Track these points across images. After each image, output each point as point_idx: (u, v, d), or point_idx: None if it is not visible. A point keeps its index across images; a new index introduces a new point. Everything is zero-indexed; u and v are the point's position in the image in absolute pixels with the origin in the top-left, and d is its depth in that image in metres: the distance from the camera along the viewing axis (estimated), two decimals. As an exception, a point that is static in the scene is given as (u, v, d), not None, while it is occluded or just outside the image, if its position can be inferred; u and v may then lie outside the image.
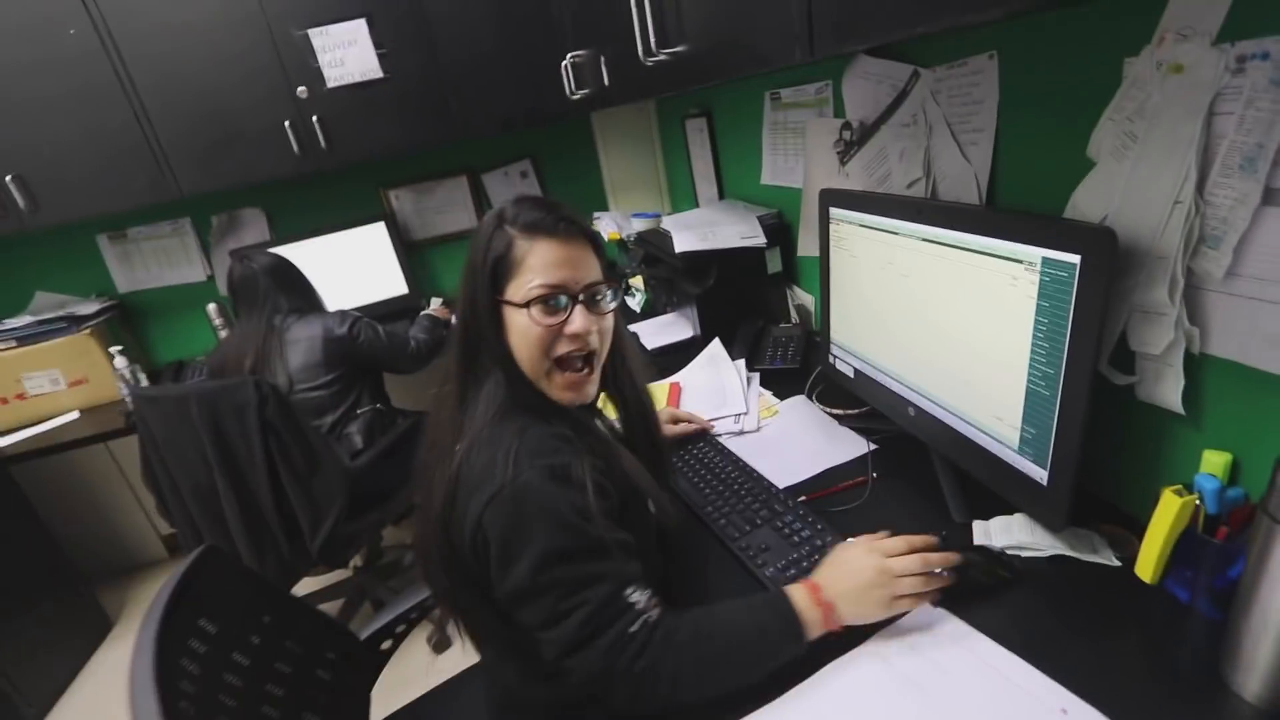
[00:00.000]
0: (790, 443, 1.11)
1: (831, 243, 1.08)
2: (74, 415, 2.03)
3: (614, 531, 0.68)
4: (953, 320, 0.83)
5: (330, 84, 1.83)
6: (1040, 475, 0.73)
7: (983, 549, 0.79)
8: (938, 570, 0.71)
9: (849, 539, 0.78)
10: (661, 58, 0.93)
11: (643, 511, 0.79)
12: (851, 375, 1.10)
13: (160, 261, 2.23)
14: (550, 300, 0.71)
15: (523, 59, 1.90)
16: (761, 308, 1.57)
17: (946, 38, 0.90)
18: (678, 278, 1.56)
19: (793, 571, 0.79)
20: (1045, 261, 0.67)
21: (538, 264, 0.70)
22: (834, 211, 1.05)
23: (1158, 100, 0.66)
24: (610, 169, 2.46)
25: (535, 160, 2.41)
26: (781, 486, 0.97)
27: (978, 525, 0.83)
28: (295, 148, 1.85)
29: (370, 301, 2.25)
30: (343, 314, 1.74)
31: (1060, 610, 0.71)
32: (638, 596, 0.66)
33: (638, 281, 1.98)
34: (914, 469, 0.96)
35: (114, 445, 2.23)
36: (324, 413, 1.72)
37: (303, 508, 1.52)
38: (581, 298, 0.73)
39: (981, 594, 0.73)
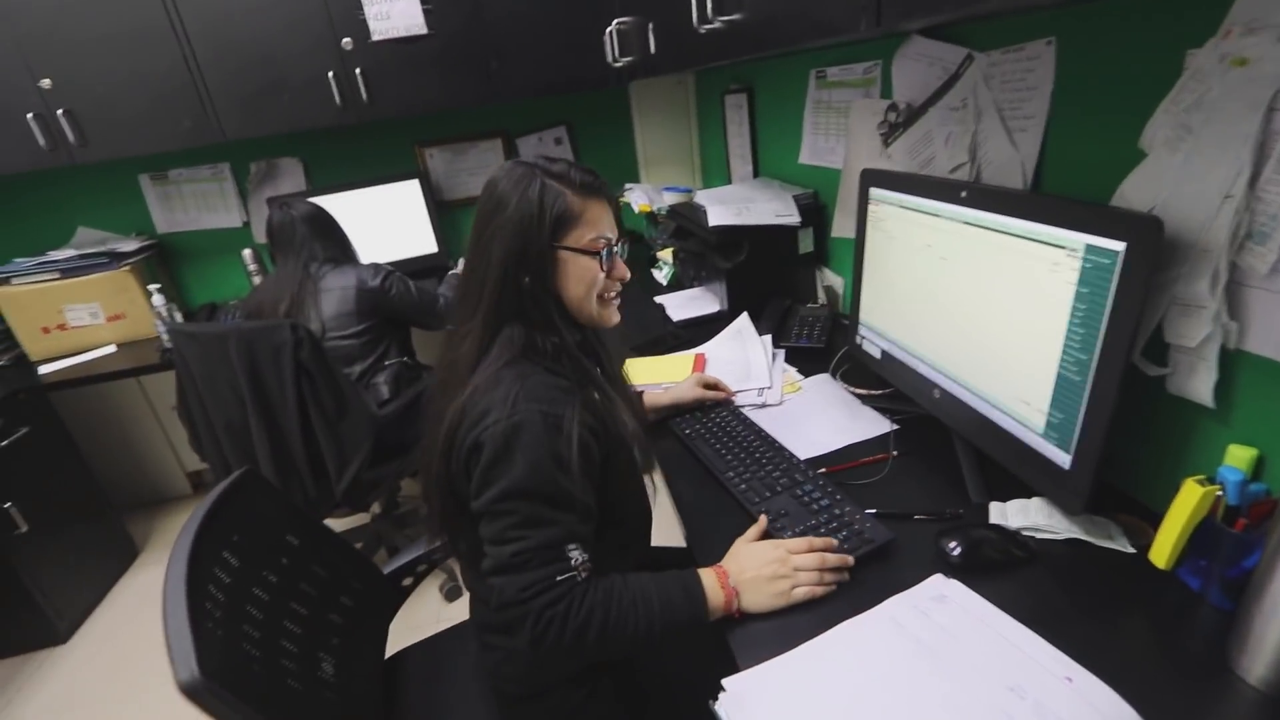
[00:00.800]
0: (812, 418, 1.13)
1: (869, 223, 1.09)
2: (111, 349, 2.10)
3: (584, 493, 0.76)
4: (987, 303, 0.84)
5: (375, 37, 1.84)
6: (1063, 459, 0.75)
7: (998, 528, 0.81)
8: (831, 572, 0.76)
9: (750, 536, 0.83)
10: (716, 25, 0.94)
11: (631, 461, 0.87)
12: (878, 356, 1.12)
13: (199, 205, 2.27)
14: (609, 250, 0.83)
15: (566, 23, 1.90)
16: (789, 287, 1.58)
17: (1005, 21, 0.89)
18: (708, 252, 1.57)
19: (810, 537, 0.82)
20: (1089, 248, 0.68)
21: (594, 220, 0.82)
22: (874, 192, 1.06)
23: (1217, 93, 0.66)
24: (644, 141, 2.45)
25: (570, 127, 2.41)
26: (802, 458, 0.99)
27: (994, 506, 0.85)
28: (337, 99, 1.87)
29: (400, 258, 2.28)
30: (376, 267, 1.77)
31: (1072, 590, 0.72)
32: (576, 554, 0.73)
33: (666, 254, 1.99)
34: (934, 450, 0.98)
35: (146, 380, 2.31)
36: (353, 361, 1.76)
37: (330, 450, 1.57)
38: (618, 248, 0.86)
39: (995, 570, 0.75)
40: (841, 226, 1.40)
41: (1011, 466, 0.83)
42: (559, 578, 0.72)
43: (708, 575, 0.77)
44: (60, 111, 1.76)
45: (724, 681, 0.66)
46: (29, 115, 1.75)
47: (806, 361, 1.31)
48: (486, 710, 0.93)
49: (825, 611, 0.73)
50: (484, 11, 1.86)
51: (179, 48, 1.77)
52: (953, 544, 0.77)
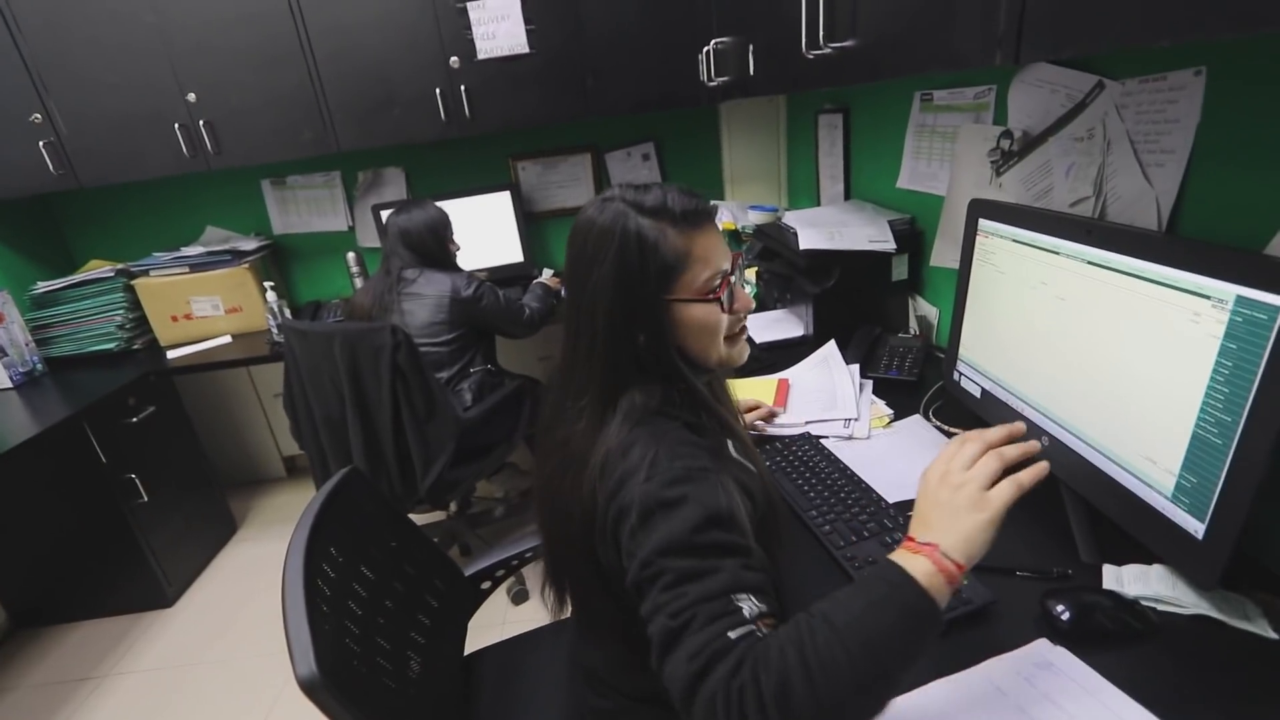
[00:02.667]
0: (902, 457, 1.08)
1: (976, 256, 1.03)
2: (227, 339, 2.28)
3: (749, 538, 0.62)
4: (1110, 350, 0.78)
5: (480, 55, 1.93)
6: (1195, 528, 0.68)
7: (1112, 594, 0.74)
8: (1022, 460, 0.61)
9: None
10: (826, 51, 0.92)
11: (779, 520, 0.77)
12: (978, 395, 1.06)
13: (311, 209, 2.45)
14: (728, 286, 0.71)
15: (662, 42, 1.93)
16: (879, 314, 1.52)
17: (1147, 49, 0.83)
18: (795, 275, 1.54)
19: (901, 584, 0.78)
20: (1240, 300, 0.62)
21: (706, 254, 0.69)
22: (984, 224, 1.01)
23: None
24: (731, 158, 2.44)
25: (658, 143, 2.44)
26: (891, 501, 0.95)
27: (1109, 570, 0.78)
28: (442, 114, 1.97)
29: (487, 266, 2.37)
30: (470, 276, 1.85)
31: (1197, 673, 0.66)
32: (748, 605, 0.55)
33: (749, 274, 1.97)
34: (1039, 501, 0.90)
35: (255, 370, 2.50)
36: (440, 368, 1.84)
37: (417, 449, 1.64)
38: (734, 277, 0.73)
39: (1107, 640, 0.69)
40: (942, 256, 1.34)
41: (1130, 528, 0.77)
42: (731, 634, 0.53)
43: (897, 553, 0.58)
44: (202, 122, 1.94)
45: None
46: (176, 125, 1.94)
47: (896, 394, 1.25)
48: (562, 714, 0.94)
49: (919, 664, 0.69)
50: (584, 31, 1.92)
51: (306, 66, 1.91)
52: (1061, 607, 0.72)
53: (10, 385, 2.04)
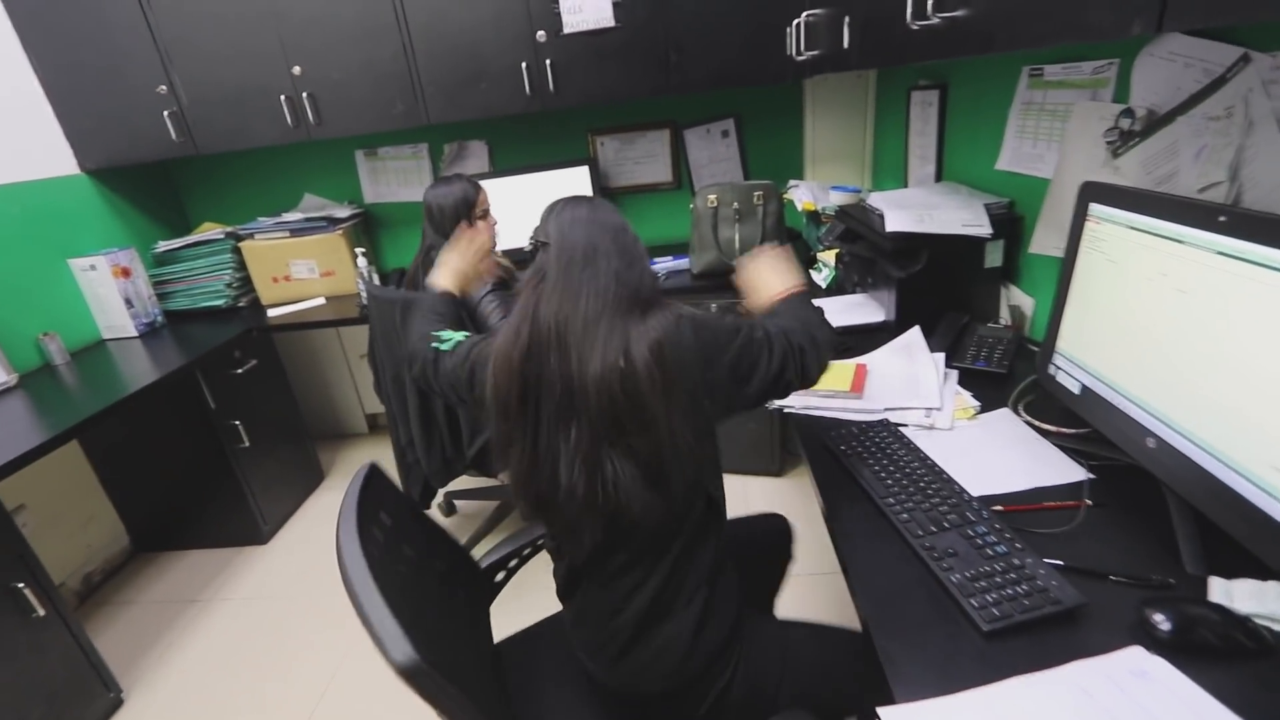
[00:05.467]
0: (987, 451, 1.04)
1: (1084, 243, 0.97)
2: (321, 301, 2.43)
3: None
4: (1239, 350, 0.72)
5: (566, 30, 1.94)
6: (1325, 545, 0.63)
7: (1220, 609, 0.70)
8: None
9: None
10: (934, 22, 0.88)
11: None
12: (1076, 391, 1.00)
13: (399, 180, 2.55)
14: None
15: (748, 16, 1.88)
16: (967, 302, 1.46)
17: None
18: (879, 258, 1.49)
19: (983, 584, 0.76)
20: (1405, 300, 0.56)
21: None
22: (1096, 208, 0.94)
23: None
24: (814, 136, 2.37)
25: (739, 119, 2.39)
26: (975, 494, 0.92)
27: (1216, 582, 0.74)
28: (527, 88, 2.00)
29: (563, 240, 2.41)
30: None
31: (1317, 700, 0.61)
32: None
33: (828, 256, 1.92)
34: (1139, 505, 0.87)
35: (344, 331, 2.66)
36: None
37: (465, 418, 1.73)
38: None
39: (1211, 656, 0.66)
40: (1043, 243, 1.27)
41: (1247, 541, 0.72)
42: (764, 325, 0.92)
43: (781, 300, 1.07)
44: (305, 94, 2.05)
45: (880, 710, 0.64)
46: (282, 97, 2.06)
47: (983, 386, 1.20)
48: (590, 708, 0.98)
49: (997, 660, 0.68)
50: (670, 5, 1.89)
51: (401, 40, 1.98)
52: (1160, 617, 0.68)
53: (135, 334, 2.25)
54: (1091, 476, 0.93)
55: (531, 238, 0.93)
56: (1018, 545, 0.80)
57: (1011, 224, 1.38)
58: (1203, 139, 0.91)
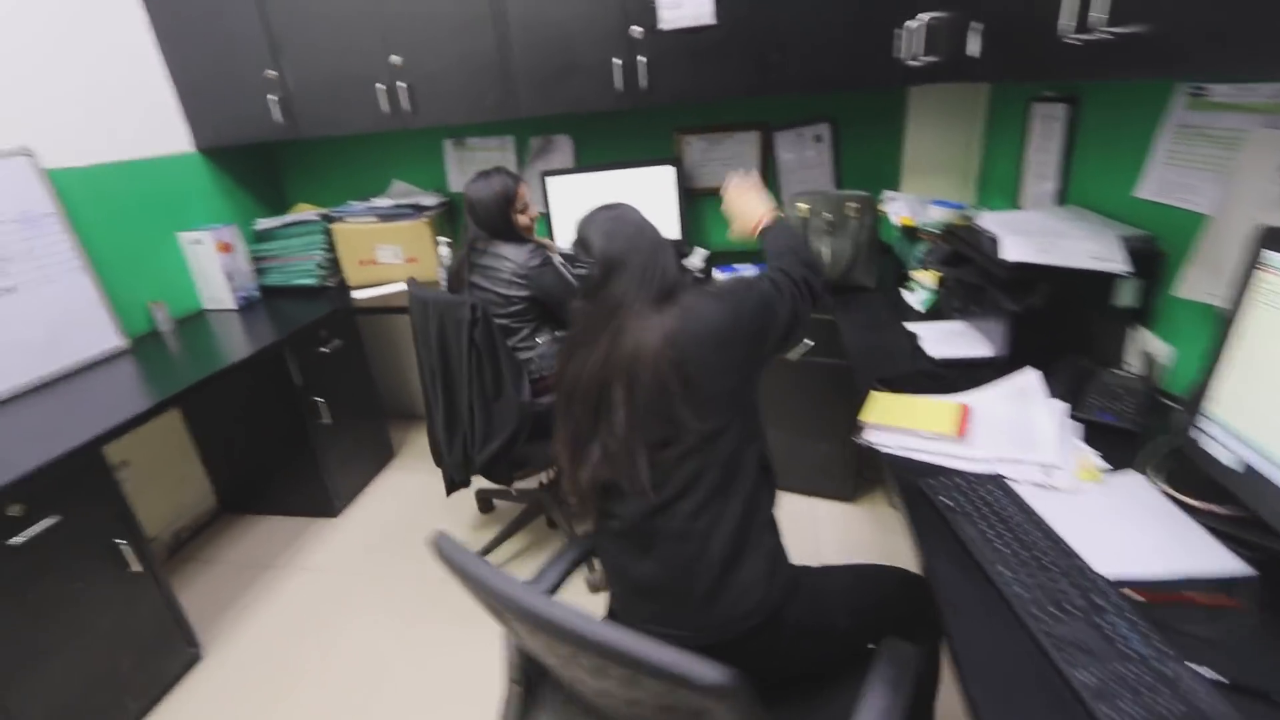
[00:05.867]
0: (1116, 522, 0.92)
1: (1256, 295, 0.84)
2: (403, 286, 2.47)
3: None
4: None
5: (663, 25, 1.88)
6: None
7: None
8: None
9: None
10: (1100, 36, 0.76)
11: None
12: (1235, 467, 0.87)
13: (484, 171, 2.57)
14: None
15: (856, 18, 1.77)
16: (1087, 343, 1.32)
17: None
18: (991, 287, 1.37)
19: (1116, 688, 0.66)
20: None
21: None
22: (1273, 256, 0.81)
23: None
24: (915, 145, 2.22)
25: (833, 124, 2.27)
26: (1103, 573, 0.81)
27: None
28: (619, 84, 1.96)
29: (641, 239, 2.37)
30: (535, 249, 1.80)
31: None
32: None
33: (925, 277, 1.79)
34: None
35: (421, 317, 2.71)
36: (509, 335, 1.83)
37: (481, 423, 1.72)
38: None
39: None
40: (1195, 287, 1.12)
41: None
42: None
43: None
44: (401, 84, 2.08)
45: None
46: (378, 86, 2.09)
47: (1109, 443, 1.07)
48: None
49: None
50: (772, 3, 1.80)
51: (496, 32, 1.98)
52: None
53: (235, 307, 2.37)
54: (1252, 572, 0.81)
55: (579, 254, 1.07)
56: (1160, 646, 0.70)
57: (1150, 260, 1.23)
58: None
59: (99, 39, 2.05)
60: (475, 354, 1.67)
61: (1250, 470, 0.84)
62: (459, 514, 2.37)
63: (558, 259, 1.91)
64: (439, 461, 1.92)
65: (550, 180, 2.35)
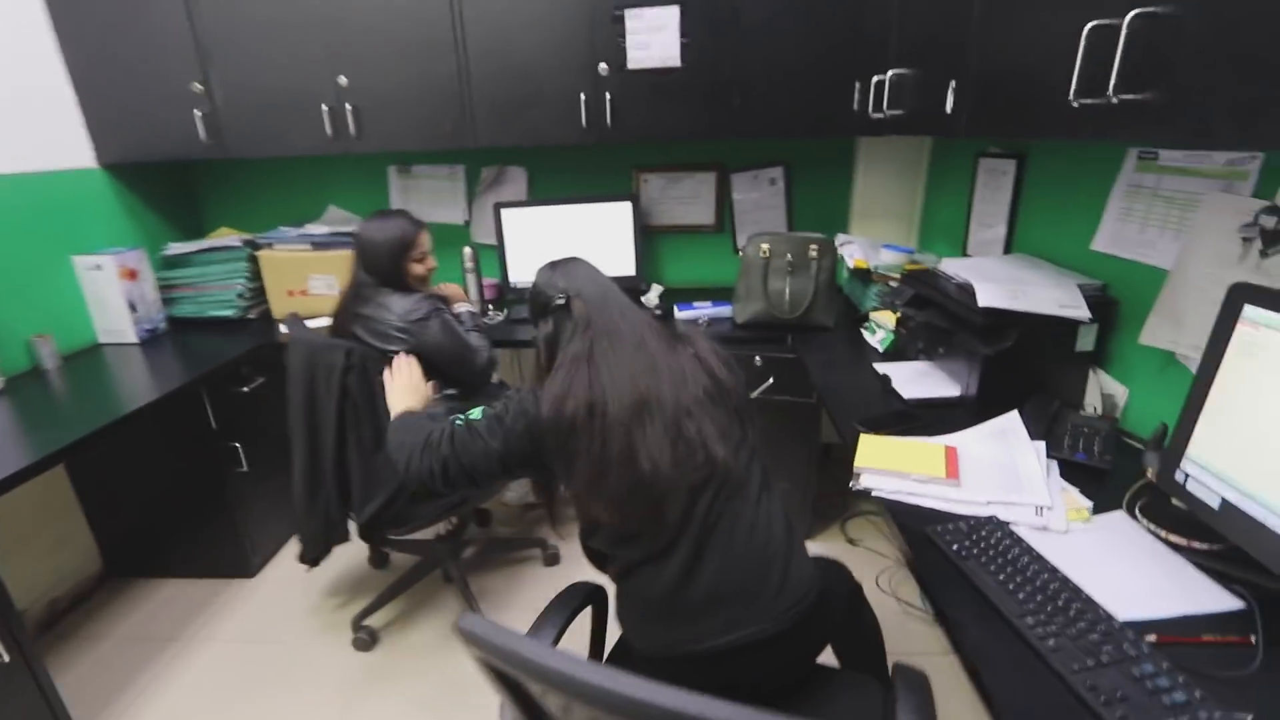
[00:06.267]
0: (1114, 562, 0.95)
1: (1233, 347, 0.90)
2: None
3: None
4: None
5: (630, 65, 1.88)
6: None
7: None
8: None
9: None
10: (1108, 102, 0.80)
11: None
12: (1213, 505, 0.92)
13: (431, 200, 2.45)
14: None
15: (819, 68, 1.84)
16: (1048, 385, 1.39)
17: None
18: (961, 331, 1.42)
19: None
20: None
21: None
22: (1253, 312, 0.88)
23: None
24: (862, 191, 2.33)
25: (787, 167, 2.35)
26: (1122, 618, 0.82)
27: None
28: (583, 120, 1.93)
29: (597, 275, 2.32)
30: (423, 303, 1.68)
31: None
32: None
33: (882, 318, 1.85)
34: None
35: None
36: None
37: (359, 480, 1.59)
38: None
39: None
40: (1155, 334, 1.20)
41: None
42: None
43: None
44: (349, 106, 1.95)
45: None
46: (324, 106, 1.95)
47: (1084, 482, 1.11)
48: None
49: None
50: (740, 50, 1.84)
51: (456, 59, 1.90)
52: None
53: (136, 340, 2.09)
54: (1245, 605, 0.84)
55: (554, 297, 1.12)
56: (1198, 694, 0.71)
57: (1105, 308, 1.32)
58: (1375, 249, 0.85)
59: (-16, 34, 1.80)
60: (349, 403, 1.53)
61: (1229, 506, 0.88)
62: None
63: (455, 312, 1.80)
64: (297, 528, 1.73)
65: (505, 212, 2.27)
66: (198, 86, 1.96)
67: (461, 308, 1.93)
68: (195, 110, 1.97)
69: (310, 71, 1.93)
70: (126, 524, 2.12)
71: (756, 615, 1.01)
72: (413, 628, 1.93)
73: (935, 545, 0.99)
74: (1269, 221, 0.99)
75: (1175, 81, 0.72)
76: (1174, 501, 1.01)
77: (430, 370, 1.65)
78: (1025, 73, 1.02)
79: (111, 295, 2.03)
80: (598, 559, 1.17)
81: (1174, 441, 0.99)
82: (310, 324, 2.22)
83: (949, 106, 1.27)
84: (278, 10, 1.88)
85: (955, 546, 0.97)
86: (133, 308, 2.07)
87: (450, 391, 1.78)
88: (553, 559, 2.16)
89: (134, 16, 1.91)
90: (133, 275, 2.07)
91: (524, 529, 2.40)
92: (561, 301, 1.10)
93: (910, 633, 1.83)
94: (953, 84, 1.26)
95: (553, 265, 1.19)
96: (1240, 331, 0.89)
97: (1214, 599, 0.87)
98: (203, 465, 1.99)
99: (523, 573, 2.14)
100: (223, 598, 2.06)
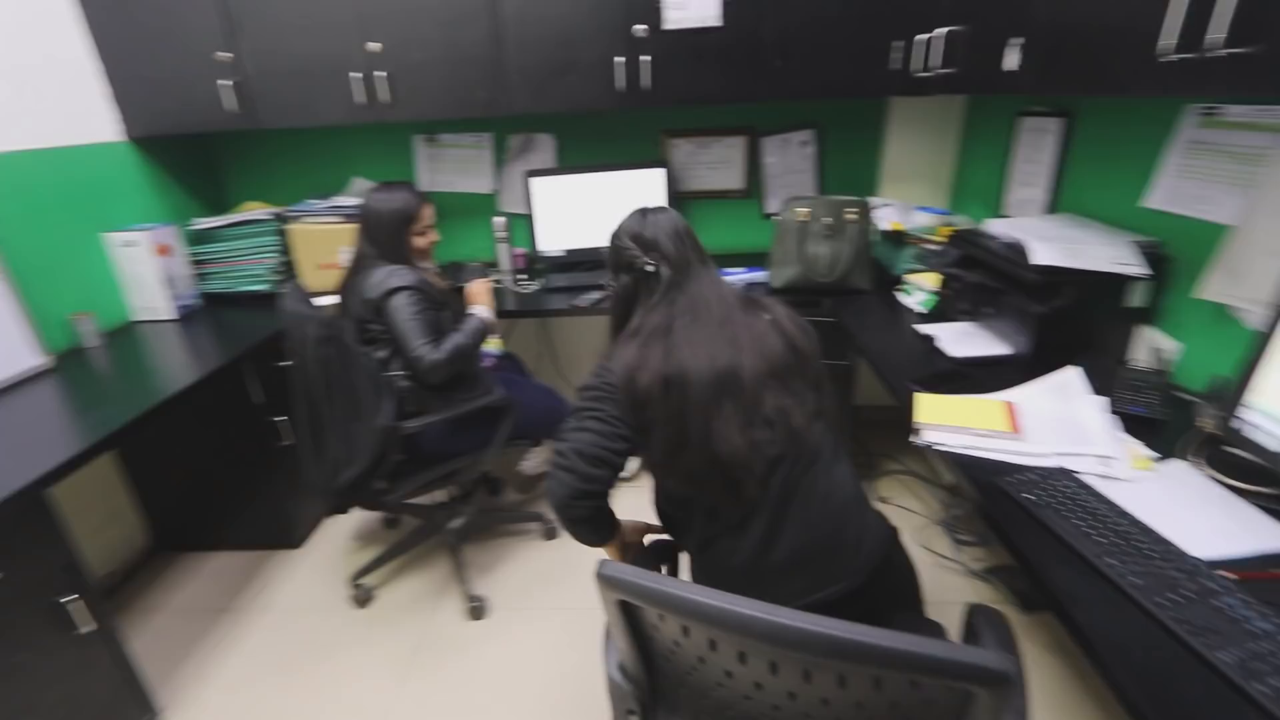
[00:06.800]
0: (1183, 507, 0.99)
1: (1306, 298, 0.93)
2: (371, 292, 2.29)
3: None
4: None
5: (668, 25, 1.85)
6: None
7: None
8: None
9: None
10: (1209, 54, 0.80)
11: None
12: (1277, 450, 0.96)
13: (458, 169, 2.43)
14: None
15: (865, 26, 1.81)
16: (1097, 341, 1.42)
17: None
18: (1013, 290, 1.44)
19: (1258, 666, 0.70)
20: None
21: None
22: (1328, 263, 0.90)
23: None
24: (893, 153, 2.32)
25: (819, 130, 2.33)
26: (1199, 556, 0.87)
27: None
28: (621, 83, 1.90)
29: (628, 243, 2.32)
30: (402, 275, 1.66)
31: None
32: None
33: (923, 279, 1.87)
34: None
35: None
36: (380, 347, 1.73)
37: (340, 446, 1.61)
38: None
39: None
40: (1218, 289, 1.22)
41: None
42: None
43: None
44: (380, 74, 1.92)
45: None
46: (353, 75, 1.92)
47: (1139, 435, 1.15)
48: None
49: None
50: (782, 7, 1.82)
51: (490, 25, 1.87)
52: None
53: (173, 317, 2.09)
54: (1317, 546, 0.89)
55: (639, 259, 1.10)
56: (1278, 622, 0.75)
57: (1159, 264, 1.34)
58: None
59: (7, 5, 1.75)
60: (325, 373, 1.55)
61: (1304, 453, 0.93)
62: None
63: (473, 313, 1.78)
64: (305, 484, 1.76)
65: (534, 180, 2.25)
66: (225, 55, 1.92)
67: (480, 310, 1.84)
68: (225, 80, 1.94)
69: (341, 38, 1.89)
70: (173, 498, 2.15)
71: (837, 574, 1.03)
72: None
73: (1007, 495, 1.03)
74: (1339, 174, 1.00)
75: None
76: (1233, 450, 1.05)
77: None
78: (1104, 26, 1.02)
79: (147, 272, 2.03)
80: (671, 524, 1.19)
81: (1234, 391, 1.02)
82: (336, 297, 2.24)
83: (1013, 63, 1.27)
84: (304, -27, 1.84)
85: (1027, 495, 1.01)
86: (168, 284, 2.06)
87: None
88: (551, 533, 2.15)
89: (158, -14, 1.87)
90: (167, 251, 2.06)
91: (532, 500, 2.39)
92: (650, 268, 1.08)
93: (944, 584, 1.90)
94: (1019, 40, 1.26)
95: (642, 214, 1.14)
96: (1314, 283, 0.92)
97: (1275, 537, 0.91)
98: (246, 440, 2.01)
99: (520, 545, 2.15)
100: (270, 567, 2.11)
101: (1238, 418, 1.02)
